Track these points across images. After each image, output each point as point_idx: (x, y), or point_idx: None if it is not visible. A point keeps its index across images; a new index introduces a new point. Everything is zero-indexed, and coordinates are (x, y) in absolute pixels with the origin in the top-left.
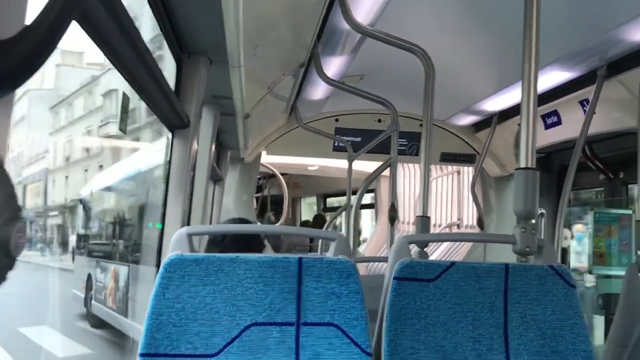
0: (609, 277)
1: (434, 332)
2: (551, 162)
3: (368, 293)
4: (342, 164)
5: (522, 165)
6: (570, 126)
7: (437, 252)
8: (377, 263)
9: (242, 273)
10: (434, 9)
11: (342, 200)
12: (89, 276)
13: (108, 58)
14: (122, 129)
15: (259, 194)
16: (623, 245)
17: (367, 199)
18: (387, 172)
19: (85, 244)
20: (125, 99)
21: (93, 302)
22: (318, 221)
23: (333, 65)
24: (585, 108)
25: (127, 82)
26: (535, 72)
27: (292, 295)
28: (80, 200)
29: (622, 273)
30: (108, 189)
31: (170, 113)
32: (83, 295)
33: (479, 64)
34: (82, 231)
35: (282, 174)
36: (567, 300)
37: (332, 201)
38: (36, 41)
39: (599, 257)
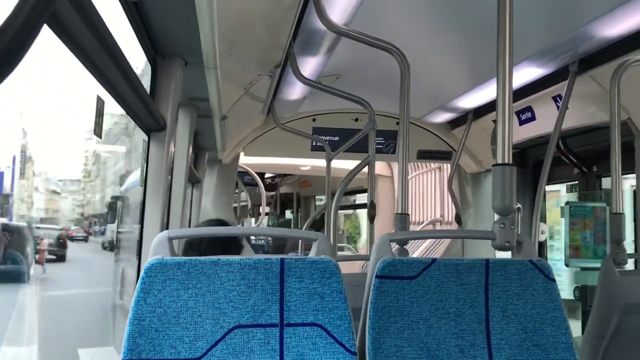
0: (585, 269)
1: (417, 329)
2: (526, 157)
3: (350, 291)
4: (337, 163)
5: (499, 161)
6: (544, 122)
7: (417, 252)
8: None
9: (225, 275)
10: (409, 8)
11: (350, 198)
12: (123, 270)
13: (81, 61)
14: (97, 133)
15: (274, 192)
16: (598, 237)
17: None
18: (385, 172)
19: (120, 238)
20: (100, 102)
21: (125, 296)
22: (314, 223)
23: (309, 65)
24: (558, 104)
25: (101, 85)
26: (510, 69)
27: (275, 297)
28: (118, 197)
29: (598, 265)
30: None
31: (146, 116)
32: (119, 289)
33: (454, 62)
34: (119, 226)
35: (285, 175)
36: (547, 294)
37: (344, 199)
38: (4, 47)
39: (574, 250)
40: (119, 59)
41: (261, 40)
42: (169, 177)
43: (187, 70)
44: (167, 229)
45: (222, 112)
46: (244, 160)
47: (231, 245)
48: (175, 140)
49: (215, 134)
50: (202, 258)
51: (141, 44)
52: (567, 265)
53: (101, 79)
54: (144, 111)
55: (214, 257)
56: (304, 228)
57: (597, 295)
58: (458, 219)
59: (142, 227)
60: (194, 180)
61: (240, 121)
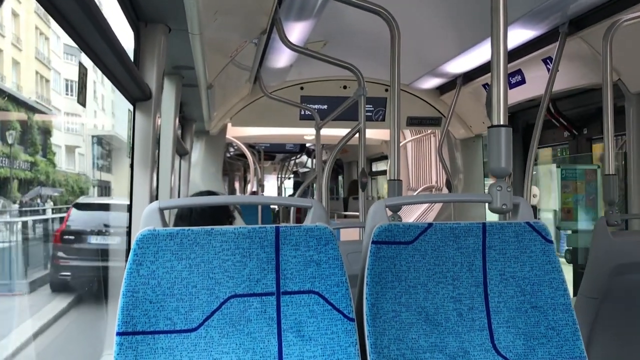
0: (576, 231)
1: (415, 294)
2: (516, 121)
3: (345, 259)
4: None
5: (495, 122)
6: (534, 84)
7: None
8: None
9: (219, 245)
10: None
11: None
12: None
13: (63, 29)
14: (81, 102)
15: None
16: (589, 200)
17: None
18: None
19: None
20: (82, 69)
21: None
22: (353, 186)
23: (296, 31)
24: (548, 66)
25: (84, 53)
26: (504, 27)
27: (270, 265)
28: None
29: (589, 227)
30: None
31: (131, 85)
32: None
33: (443, 26)
34: None
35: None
36: (545, 256)
37: (377, 165)
38: None
39: (566, 212)
40: (103, 26)
41: (246, 4)
42: (157, 147)
43: (171, 37)
44: (156, 200)
45: (207, 80)
46: (257, 132)
47: (222, 216)
48: (161, 110)
49: (202, 104)
50: (195, 228)
51: (123, 10)
52: (559, 228)
53: (83, 45)
54: (129, 80)
55: (207, 227)
56: (295, 195)
57: (591, 256)
58: (448, 185)
59: (131, 199)
60: (181, 152)
61: (226, 90)
